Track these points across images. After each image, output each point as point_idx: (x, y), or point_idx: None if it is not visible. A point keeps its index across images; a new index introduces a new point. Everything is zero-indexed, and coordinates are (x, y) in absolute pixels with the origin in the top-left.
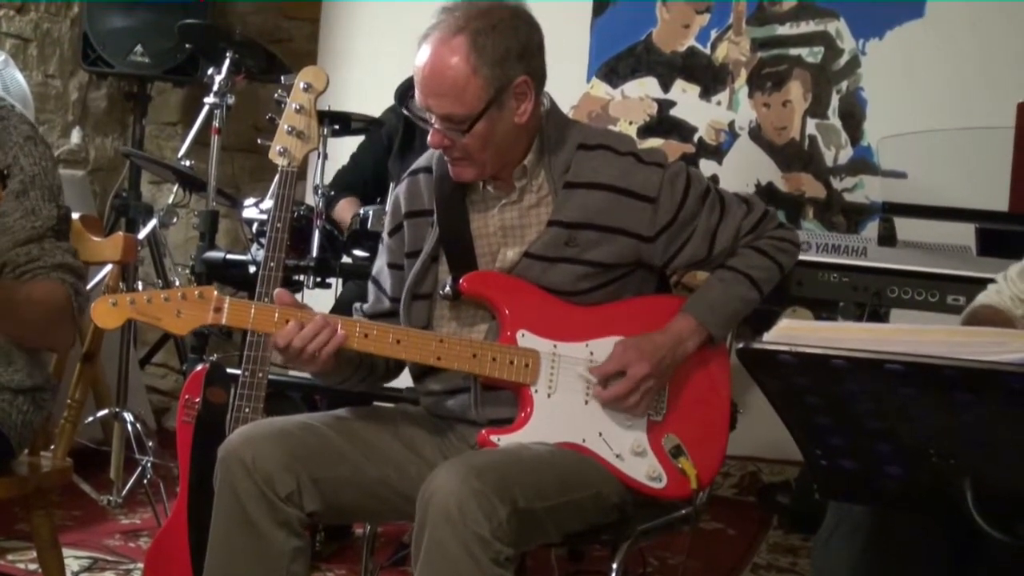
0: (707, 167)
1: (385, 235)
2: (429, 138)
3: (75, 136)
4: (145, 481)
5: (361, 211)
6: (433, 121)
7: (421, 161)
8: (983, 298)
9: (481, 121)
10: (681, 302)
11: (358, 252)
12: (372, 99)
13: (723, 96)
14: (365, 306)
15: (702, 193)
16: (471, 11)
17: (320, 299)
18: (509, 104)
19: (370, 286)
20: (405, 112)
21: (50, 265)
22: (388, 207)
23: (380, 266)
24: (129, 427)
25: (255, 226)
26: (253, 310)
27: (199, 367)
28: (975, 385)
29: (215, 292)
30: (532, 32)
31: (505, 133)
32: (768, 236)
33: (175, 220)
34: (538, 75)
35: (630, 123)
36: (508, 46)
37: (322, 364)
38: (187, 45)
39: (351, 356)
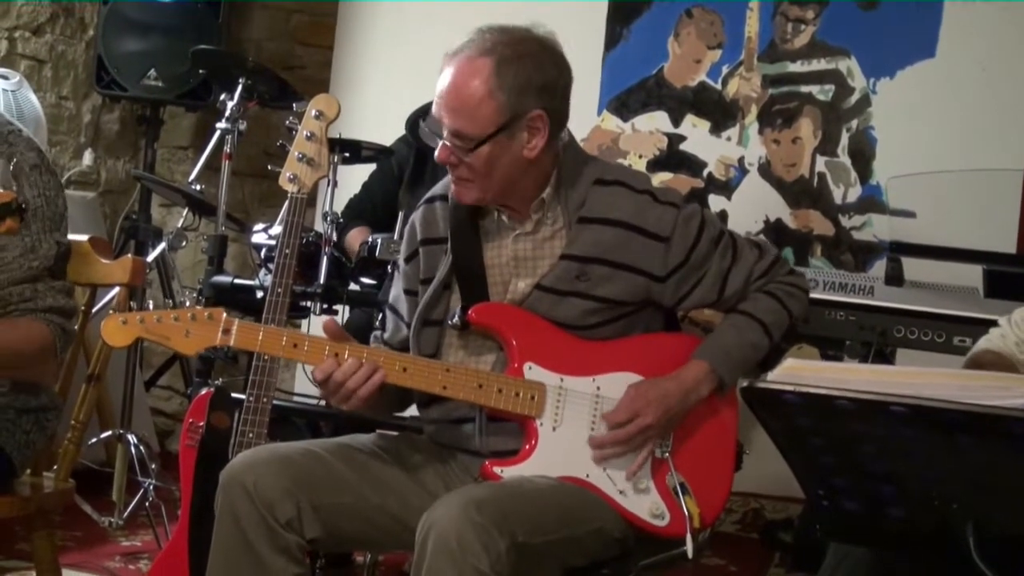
0: (716, 202)
1: (401, 261)
2: (437, 152)
3: (87, 158)
4: (147, 503)
5: (369, 239)
6: (444, 135)
7: (437, 189)
8: (985, 343)
9: (487, 144)
10: (690, 340)
11: (366, 279)
12: (384, 128)
13: (733, 132)
14: (385, 335)
15: (715, 237)
16: (503, 37)
17: None
18: (520, 135)
19: (388, 314)
20: (420, 136)
21: (41, 308)
22: (404, 233)
23: (396, 293)
24: (132, 449)
25: (263, 251)
26: (261, 333)
27: (204, 391)
28: (978, 429)
29: (224, 314)
30: (559, 72)
31: (511, 163)
32: (779, 280)
33: (184, 244)
34: (556, 114)
35: (640, 157)
36: (530, 78)
37: (359, 403)
38: (200, 70)
39: (391, 390)
